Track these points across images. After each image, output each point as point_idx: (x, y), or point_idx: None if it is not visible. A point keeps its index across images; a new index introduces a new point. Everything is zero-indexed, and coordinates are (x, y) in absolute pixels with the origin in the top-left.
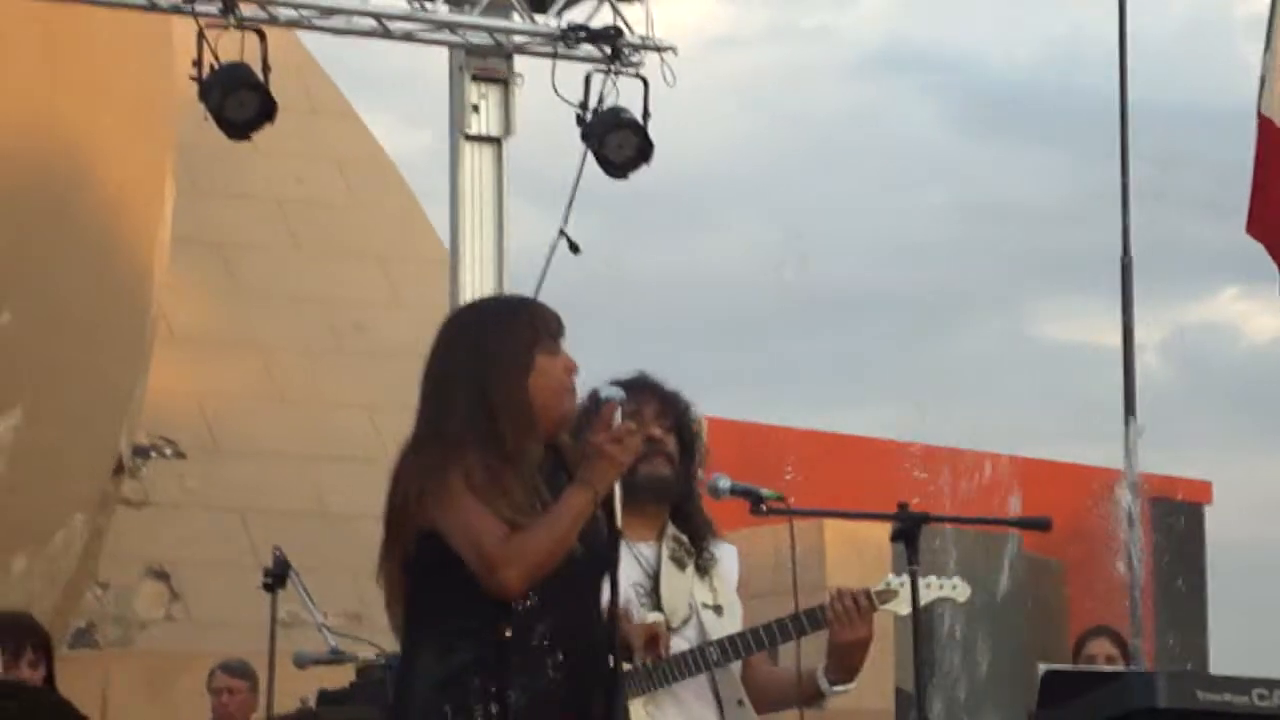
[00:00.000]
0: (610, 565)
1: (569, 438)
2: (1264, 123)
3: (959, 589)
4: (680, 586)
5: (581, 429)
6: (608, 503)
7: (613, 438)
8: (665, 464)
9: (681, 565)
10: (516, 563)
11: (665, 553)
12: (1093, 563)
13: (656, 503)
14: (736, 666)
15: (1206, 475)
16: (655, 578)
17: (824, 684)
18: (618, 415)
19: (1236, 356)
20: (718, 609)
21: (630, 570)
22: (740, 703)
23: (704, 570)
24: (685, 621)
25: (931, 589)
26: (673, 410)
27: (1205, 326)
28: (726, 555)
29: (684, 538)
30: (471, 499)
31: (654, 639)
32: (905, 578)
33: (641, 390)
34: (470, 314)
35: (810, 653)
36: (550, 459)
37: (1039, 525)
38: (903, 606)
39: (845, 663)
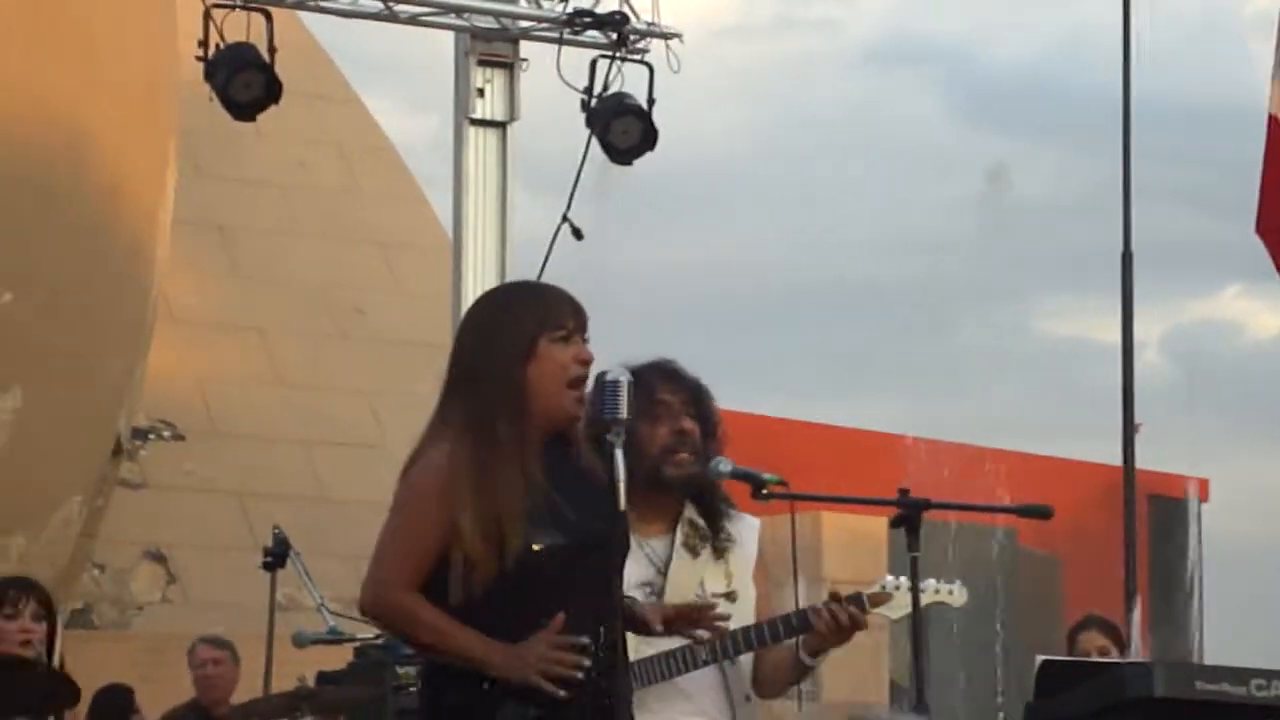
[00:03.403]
0: (619, 551)
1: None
2: (1272, 121)
3: (956, 594)
4: (689, 578)
5: (590, 413)
6: (612, 487)
7: (557, 661)
8: (693, 458)
9: (695, 552)
10: (383, 604)
11: (678, 539)
12: (1090, 558)
13: (680, 496)
14: (747, 658)
15: (1204, 473)
16: (665, 573)
17: (806, 658)
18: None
19: (1238, 354)
20: (730, 595)
21: (640, 570)
22: (748, 698)
23: (720, 552)
24: None
25: (928, 593)
26: (698, 399)
27: (1207, 324)
28: (747, 532)
29: (700, 522)
30: (415, 521)
31: (690, 614)
32: (902, 580)
33: (672, 378)
34: (485, 299)
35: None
36: (557, 452)
37: (1040, 514)
38: (895, 611)
39: (824, 650)
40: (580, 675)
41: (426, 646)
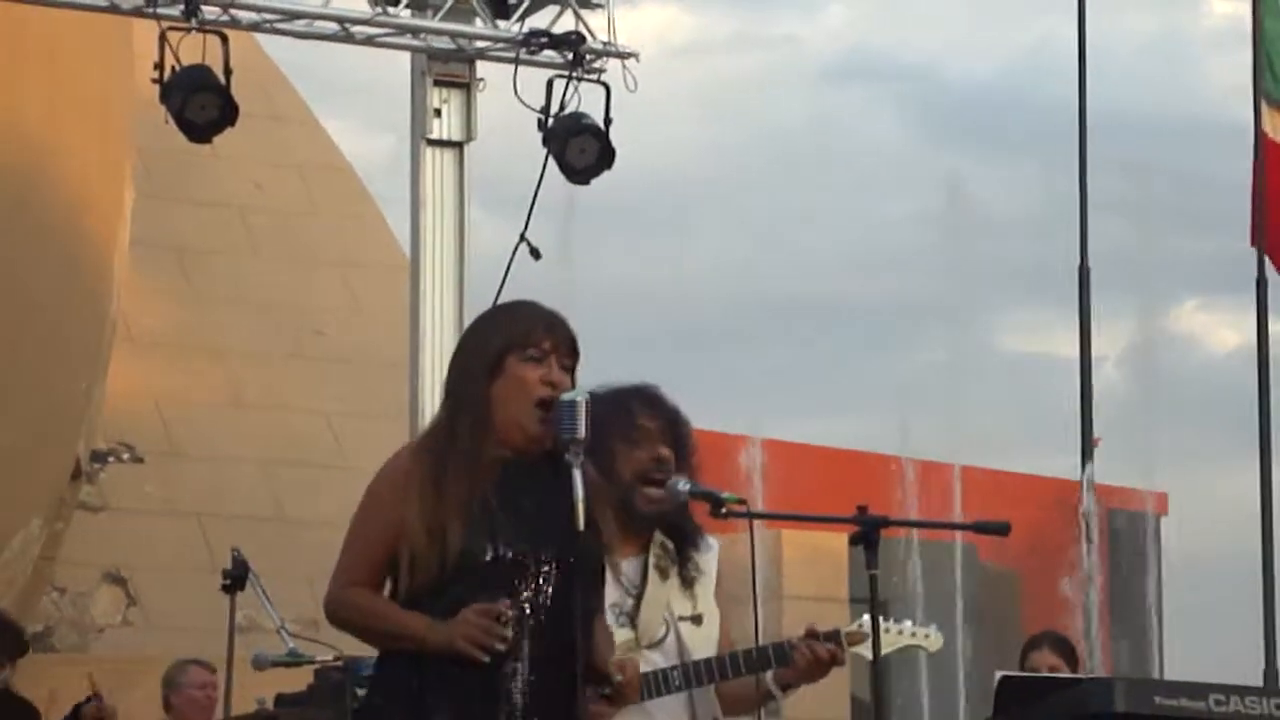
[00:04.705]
0: (584, 570)
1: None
2: (1260, 136)
3: (932, 639)
4: (658, 600)
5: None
6: (572, 506)
7: (481, 629)
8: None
9: (664, 574)
10: (335, 604)
11: (651, 561)
12: (1048, 573)
13: (651, 525)
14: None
15: (1163, 487)
16: (636, 595)
17: (775, 690)
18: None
19: (1196, 368)
20: (696, 619)
21: (610, 591)
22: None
23: (688, 581)
24: (661, 639)
25: (904, 635)
26: (676, 427)
27: (1166, 338)
28: (709, 555)
29: (670, 545)
30: (365, 523)
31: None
32: (880, 620)
33: (653, 404)
34: (477, 317)
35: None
36: (529, 472)
37: (997, 530)
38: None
39: (795, 685)
40: (502, 647)
41: (378, 633)
